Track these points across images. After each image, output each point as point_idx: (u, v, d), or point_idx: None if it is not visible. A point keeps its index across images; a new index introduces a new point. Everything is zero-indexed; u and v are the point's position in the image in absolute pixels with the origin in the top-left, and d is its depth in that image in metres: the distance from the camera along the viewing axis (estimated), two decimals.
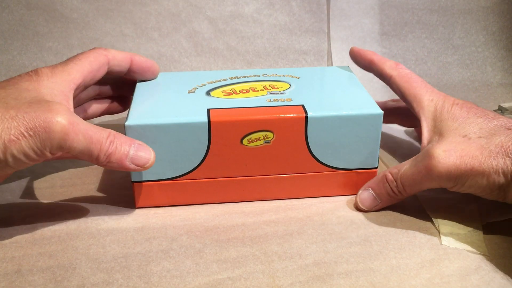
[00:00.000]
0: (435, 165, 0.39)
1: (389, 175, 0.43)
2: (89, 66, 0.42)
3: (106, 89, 0.50)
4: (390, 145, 0.56)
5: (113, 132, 0.39)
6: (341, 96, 0.46)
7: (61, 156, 0.44)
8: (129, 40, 0.66)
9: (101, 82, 0.47)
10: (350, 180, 0.46)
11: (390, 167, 0.44)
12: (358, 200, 0.45)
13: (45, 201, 0.46)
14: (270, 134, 0.43)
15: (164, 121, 0.41)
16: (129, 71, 0.47)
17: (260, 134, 0.43)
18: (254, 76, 0.51)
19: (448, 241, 0.42)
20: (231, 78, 0.50)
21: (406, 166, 0.42)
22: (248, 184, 0.45)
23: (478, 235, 0.42)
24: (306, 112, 0.43)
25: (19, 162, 0.36)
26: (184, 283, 0.37)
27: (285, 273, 0.38)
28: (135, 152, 0.39)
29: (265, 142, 0.43)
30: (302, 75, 0.51)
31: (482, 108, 0.43)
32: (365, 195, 0.45)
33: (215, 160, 0.43)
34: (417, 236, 0.42)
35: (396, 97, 0.51)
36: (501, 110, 0.64)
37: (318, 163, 0.45)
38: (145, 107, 0.44)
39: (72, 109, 0.40)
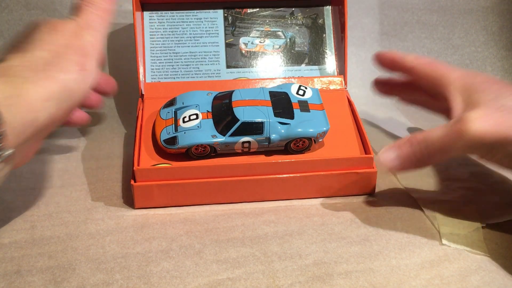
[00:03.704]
0: (468, 128, 0.38)
1: (418, 136, 0.41)
2: None
3: None
4: None
5: None
6: None
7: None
8: None
9: None
10: (350, 180, 0.46)
11: (416, 132, 0.42)
12: (380, 158, 0.42)
13: (45, 201, 0.45)
14: None
15: None
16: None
17: None
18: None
19: (448, 241, 0.41)
20: None
21: (435, 130, 0.40)
22: (248, 185, 0.45)
23: (478, 235, 0.42)
24: None
25: None
26: (183, 284, 0.37)
27: (285, 273, 0.38)
28: None
29: None
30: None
31: None
32: (388, 154, 0.41)
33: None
34: (417, 236, 0.42)
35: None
36: None
37: None
38: None
39: None
